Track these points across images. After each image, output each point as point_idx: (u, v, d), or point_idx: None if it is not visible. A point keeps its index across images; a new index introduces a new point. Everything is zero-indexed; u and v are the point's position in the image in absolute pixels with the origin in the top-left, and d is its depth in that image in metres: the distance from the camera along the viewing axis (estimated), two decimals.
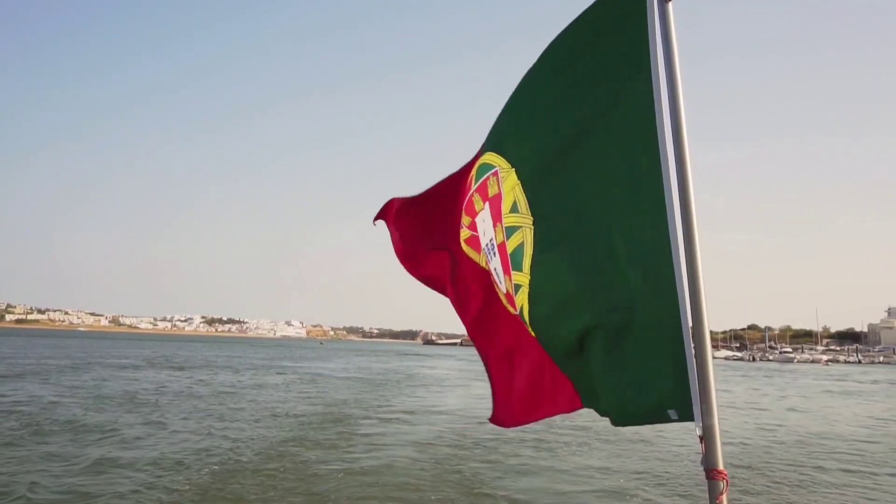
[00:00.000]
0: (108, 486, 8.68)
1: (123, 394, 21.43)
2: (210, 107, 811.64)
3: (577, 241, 2.12)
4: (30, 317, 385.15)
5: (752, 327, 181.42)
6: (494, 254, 2.48)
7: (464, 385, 31.82)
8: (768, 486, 10.07)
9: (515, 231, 2.33)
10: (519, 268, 2.30)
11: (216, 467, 10.22)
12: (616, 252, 2.01)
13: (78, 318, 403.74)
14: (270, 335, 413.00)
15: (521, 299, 2.31)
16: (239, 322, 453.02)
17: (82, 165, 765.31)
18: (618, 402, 1.99)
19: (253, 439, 12.99)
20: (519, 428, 2.59)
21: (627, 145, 2.02)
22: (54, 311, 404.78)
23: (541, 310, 2.24)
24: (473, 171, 2.68)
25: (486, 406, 2.69)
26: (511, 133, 2.45)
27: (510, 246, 2.35)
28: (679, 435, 14.64)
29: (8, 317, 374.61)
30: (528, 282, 2.26)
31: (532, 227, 2.27)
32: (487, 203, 2.52)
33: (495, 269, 2.50)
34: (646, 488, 9.75)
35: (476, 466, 10.72)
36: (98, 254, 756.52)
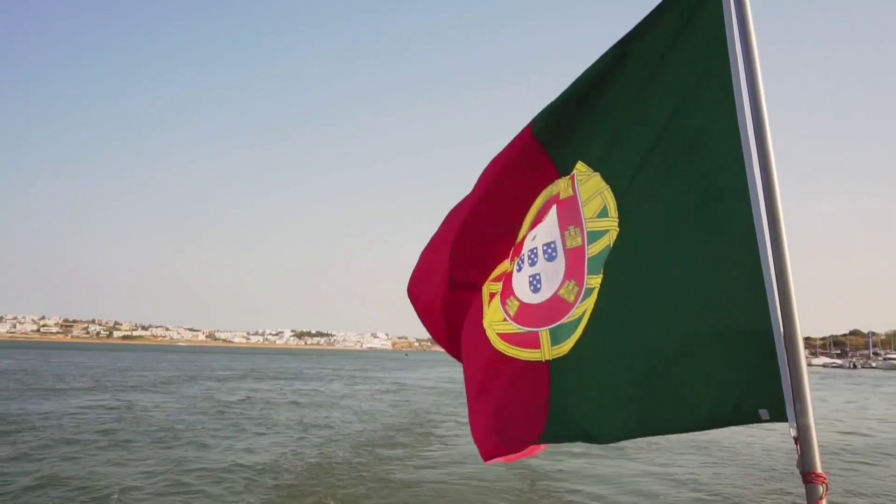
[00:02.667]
0: (232, 477, 10.56)
1: (231, 402, 24.03)
2: (283, 113, 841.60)
3: (661, 242, 2.08)
4: (135, 333, 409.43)
5: (855, 332, 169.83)
6: (551, 258, 2.34)
7: None
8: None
9: (602, 235, 2.23)
10: (598, 271, 2.22)
11: (313, 461, 12.03)
12: (702, 252, 1.98)
13: (178, 333, 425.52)
14: (357, 347, 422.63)
15: (588, 304, 2.22)
16: (327, 335, 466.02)
17: (157, 183, 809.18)
18: (703, 404, 1.93)
19: (344, 439, 14.80)
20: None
21: (709, 143, 2.01)
22: (156, 327, 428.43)
23: (611, 310, 2.16)
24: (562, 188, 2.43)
25: None
26: (585, 135, 2.33)
27: (592, 251, 2.24)
28: (743, 439, 15.26)
29: (115, 333, 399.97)
30: (599, 282, 2.20)
31: (618, 228, 2.19)
32: (555, 206, 2.37)
33: (535, 276, 2.37)
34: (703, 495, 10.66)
35: (540, 463, 11.92)
36: (197, 272, 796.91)
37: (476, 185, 2.57)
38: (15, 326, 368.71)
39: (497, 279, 2.53)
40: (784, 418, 1.77)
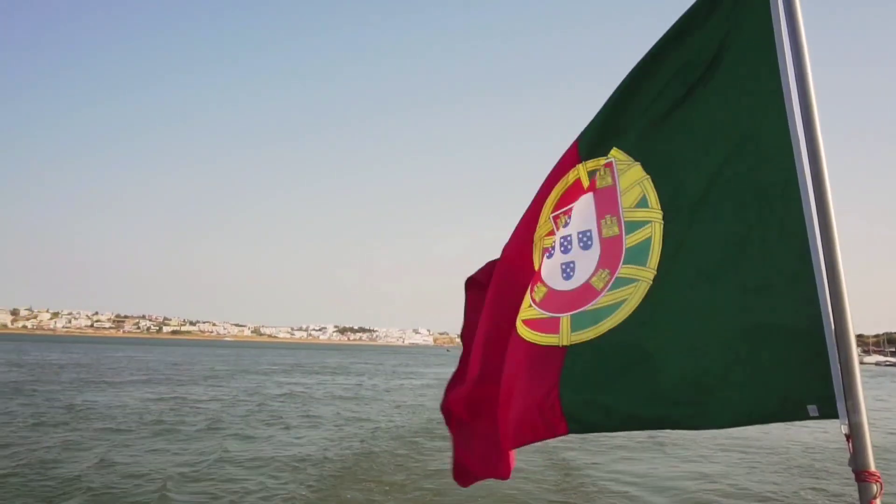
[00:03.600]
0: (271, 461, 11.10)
1: (277, 395, 24.90)
2: (324, 109, 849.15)
3: (710, 237, 2.06)
4: (183, 328, 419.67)
5: None
6: (587, 247, 2.33)
7: None
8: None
9: (643, 226, 2.20)
10: (640, 262, 2.18)
11: (357, 451, 12.53)
12: (751, 247, 1.95)
13: (224, 328, 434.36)
14: (399, 343, 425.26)
15: (625, 294, 2.18)
16: (369, 331, 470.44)
17: (202, 181, 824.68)
18: (749, 399, 1.88)
19: (387, 432, 15.30)
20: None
21: (758, 138, 1.98)
22: (203, 322, 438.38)
23: (657, 303, 2.12)
24: (582, 173, 2.44)
25: None
26: (625, 124, 2.32)
27: (630, 240, 2.21)
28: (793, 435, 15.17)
29: (165, 329, 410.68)
30: (651, 277, 2.14)
31: (662, 221, 2.17)
32: (592, 194, 2.37)
33: (568, 264, 2.37)
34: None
35: (576, 456, 12.18)
36: (243, 268, 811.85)
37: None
38: (70, 322, 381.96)
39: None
40: (834, 415, 1.74)
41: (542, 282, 2.40)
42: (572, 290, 2.31)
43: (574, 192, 2.43)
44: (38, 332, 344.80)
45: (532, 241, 2.52)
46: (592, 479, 10.38)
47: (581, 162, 2.42)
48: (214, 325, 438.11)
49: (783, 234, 1.88)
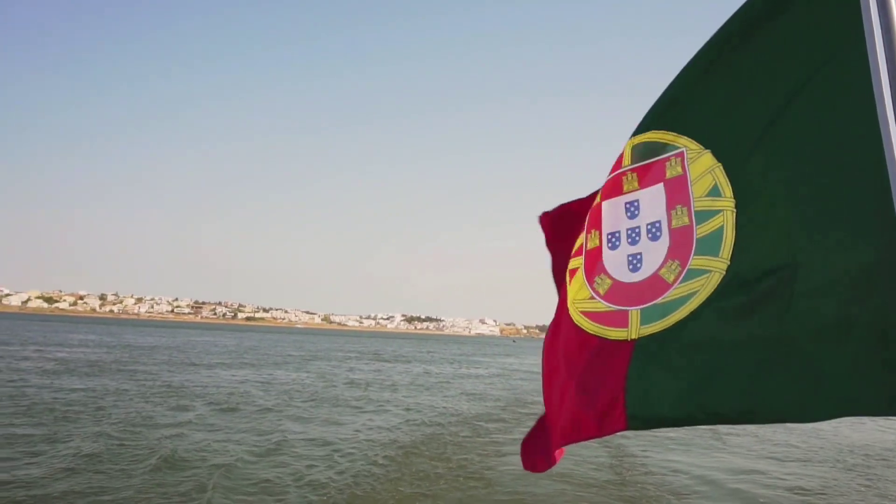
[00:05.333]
0: (348, 435, 12.32)
1: (350, 379, 26.42)
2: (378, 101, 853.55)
3: (788, 226, 1.93)
4: (257, 315, 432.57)
5: None
6: (655, 238, 2.24)
7: None
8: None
9: (714, 215, 2.10)
10: (712, 253, 2.07)
11: (429, 430, 13.68)
12: (836, 236, 1.81)
13: (295, 316, 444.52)
14: (465, 333, 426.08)
15: (697, 285, 2.08)
16: (436, 320, 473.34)
17: (276, 175, 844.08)
18: (842, 392, 1.78)
19: (453, 416, 16.36)
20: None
21: (840, 116, 1.84)
22: (276, 309, 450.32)
23: (730, 299, 2.01)
24: (627, 150, 2.40)
25: None
26: (698, 111, 2.21)
27: (701, 231, 2.12)
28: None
29: (239, 315, 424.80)
30: (724, 267, 2.04)
31: (734, 210, 2.06)
32: (662, 184, 2.27)
33: (635, 256, 2.29)
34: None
35: (628, 443, 12.85)
36: (314, 257, 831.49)
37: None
38: (153, 307, 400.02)
39: (576, 254, 2.53)
40: None
41: (605, 273, 2.36)
42: (640, 282, 2.25)
43: (617, 166, 2.44)
44: (123, 316, 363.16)
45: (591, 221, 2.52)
46: (646, 465, 10.92)
47: (629, 139, 2.39)
48: (286, 312, 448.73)
49: (872, 220, 1.74)
